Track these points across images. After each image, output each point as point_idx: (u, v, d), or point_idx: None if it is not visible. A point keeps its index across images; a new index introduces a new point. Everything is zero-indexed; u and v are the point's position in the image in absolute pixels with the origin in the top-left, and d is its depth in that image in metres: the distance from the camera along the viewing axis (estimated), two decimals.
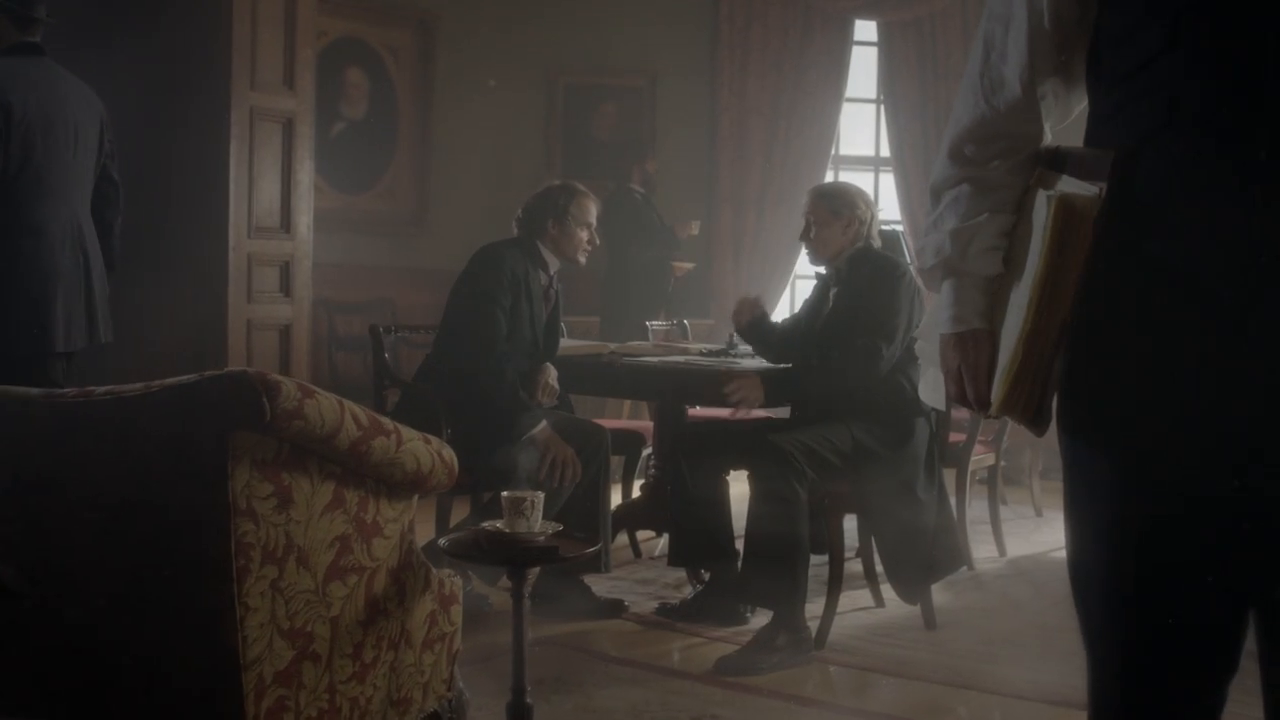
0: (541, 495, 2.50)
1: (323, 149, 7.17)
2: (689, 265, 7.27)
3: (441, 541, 2.65)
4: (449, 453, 2.19)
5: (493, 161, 7.79)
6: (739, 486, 4.14)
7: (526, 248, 4.30)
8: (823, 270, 4.24)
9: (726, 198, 8.10)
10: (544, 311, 4.33)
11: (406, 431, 2.09)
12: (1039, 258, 1.48)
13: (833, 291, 4.16)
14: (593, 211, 4.35)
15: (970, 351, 1.62)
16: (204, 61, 5.36)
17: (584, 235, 4.32)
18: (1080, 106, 1.65)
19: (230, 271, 5.33)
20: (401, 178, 7.67)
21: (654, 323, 6.16)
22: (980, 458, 5.16)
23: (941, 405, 2.01)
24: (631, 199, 7.03)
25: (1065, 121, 1.69)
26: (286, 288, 5.54)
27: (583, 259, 4.38)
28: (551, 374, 4.30)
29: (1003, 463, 5.46)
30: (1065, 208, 1.45)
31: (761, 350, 4.34)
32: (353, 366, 7.22)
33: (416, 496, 2.24)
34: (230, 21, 5.28)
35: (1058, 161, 1.59)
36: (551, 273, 4.36)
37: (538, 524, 2.47)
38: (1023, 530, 5.84)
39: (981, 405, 1.61)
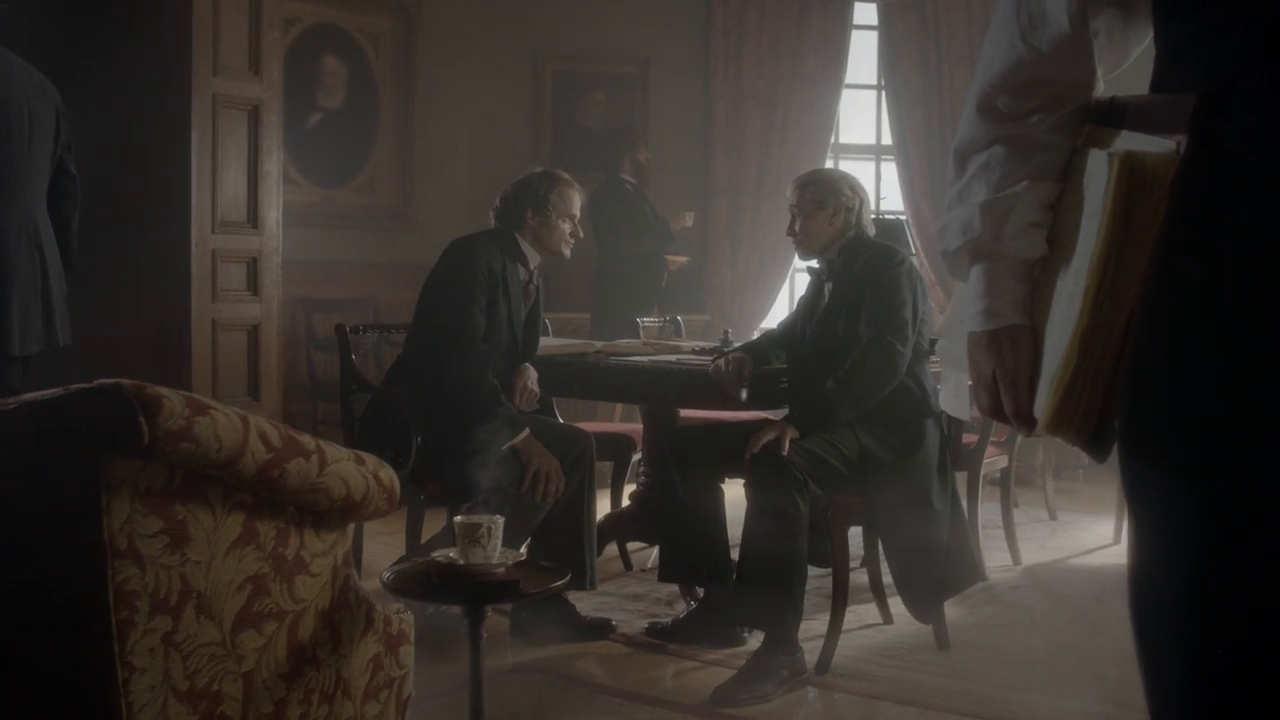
0: (500, 520, 2.18)
1: (299, 141, 6.89)
2: (683, 259, 6.94)
3: (385, 575, 2.33)
4: (387, 474, 1.88)
5: (478, 153, 7.49)
6: (736, 491, 3.82)
7: (503, 240, 3.98)
8: (815, 264, 3.92)
9: (722, 188, 7.81)
10: (523, 309, 4.02)
11: (333, 451, 1.77)
12: (1097, 234, 1.16)
13: (827, 287, 3.84)
14: (576, 202, 4.04)
15: (1007, 354, 1.30)
16: (163, 46, 5.05)
17: (566, 227, 4.00)
18: (1140, 47, 1.33)
19: (194, 269, 5.03)
20: (382, 170, 7.37)
21: (646, 319, 5.85)
22: (992, 460, 4.84)
23: (965, 415, 1.70)
24: (622, 190, 6.71)
25: (1120, 68, 1.37)
26: (254, 285, 5.24)
27: (566, 252, 4.07)
28: (531, 376, 3.99)
29: (1015, 463, 5.14)
30: (1131, 169, 1.13)
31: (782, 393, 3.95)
32: (332, 368, 6.89)
33: (351, 525, 1.92)
34: (191, 3, 4.97)
35: (1114, 115, 1.27)
36: (532, 267, 4.04)
37: (496, 552, 2.15)
38: (1036, 535, 5.53)
39: (1023, 421, 1.29)
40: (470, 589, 2.12)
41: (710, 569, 3.79)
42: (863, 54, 8.21)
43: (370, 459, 1.87)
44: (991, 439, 4.77)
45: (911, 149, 7.94)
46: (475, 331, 3.77)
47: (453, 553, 2.16)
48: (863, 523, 3.73)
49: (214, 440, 1.52)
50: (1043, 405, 1.22)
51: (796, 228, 3.84)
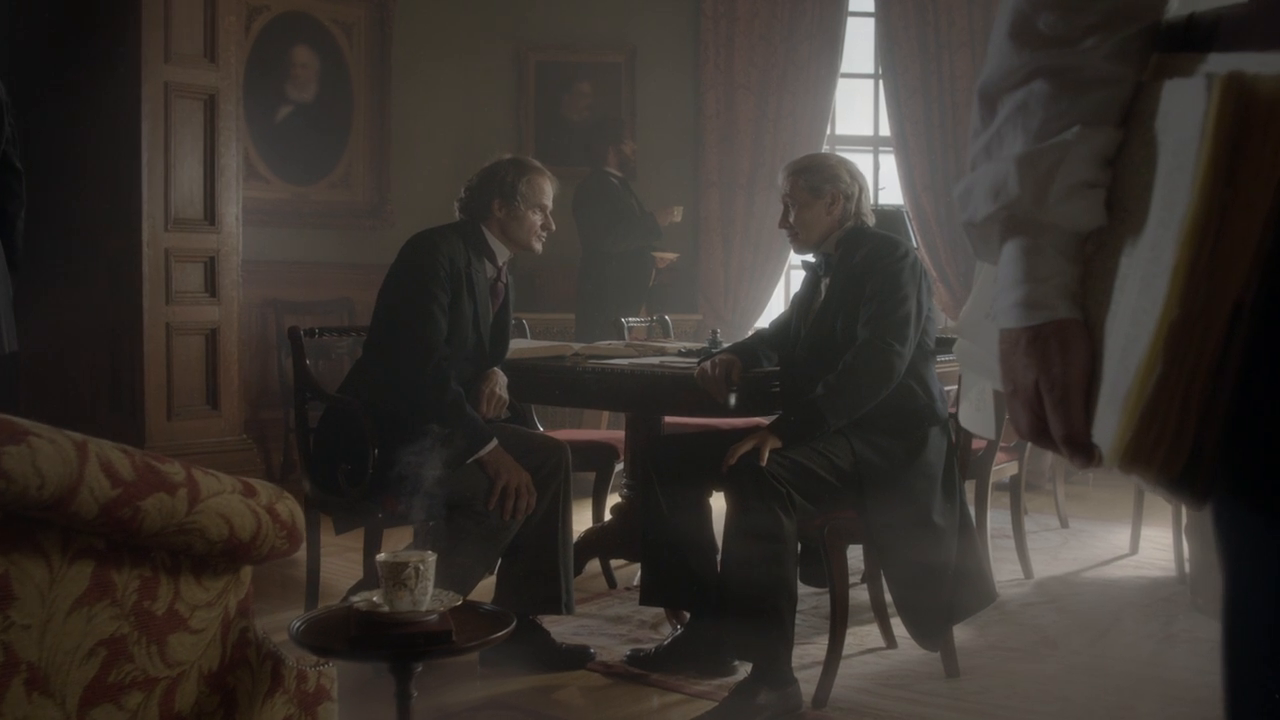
0: (432, 557, 1.85)
1: (268, 135, 6.60)
2: (672, 256, 6.62)
3: (294, 625, 1.99)
4: (288, 506, 1.54)
5: (458, 147, 7.16)
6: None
7: (468, 234, 3.66)
8: (811, 258, 3.60)
9: (713, 182, 7.50)
10: (490, 309, 3.69)
11: (211, 482, 1.44)
12: (1191, 189, 0.83)
13: (824, 282, 3.52)
14: (548, 191, 3.71)
15: (1055, 357, 0.97)
16: (110, 31, 4.73)
17: (537, 219, 3.67)
18: None
19: (145, 269, 4.71)
20: (357, 166, 7.07)
21: (632, 320, 5.52)
22: (1001, 466, 4.51)
23: (991, 434, 1.37)
24: (607, 184, 6.37)
25: None
26: (212, 287, 4.91)
27: (537, 246, 3.74)
28: (499, 381, 3.66)
29: (1025, 468, 4.81)
30: (1240, 95, 0.80)
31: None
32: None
33: (247, 569, 1.59)
34: None
35: (1196, 36, 0.94)
36: (500, 263, 3.71)
37: (427, 596, 1.82)
38: (1047, 545, 5.19)
39: (1078, 449, 0.95)
40: (394, 642, 1.78)
41: (696, 592, 3.46)
42: (859, 41, 7.91)
43: (266, 489, 1.53)
44: (1001, 444, 4.44)
45: (911, 140, 7.63)
46: (436, 334, 3.45)
47: (376, 597, 1.83)
48: (861, 541, 3.40)
49: (32, 475, 1.19)
50: (1112, 430, 0.89)
51: (791, 219, 3.52)
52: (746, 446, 3.13)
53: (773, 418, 3.58)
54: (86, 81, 4.84)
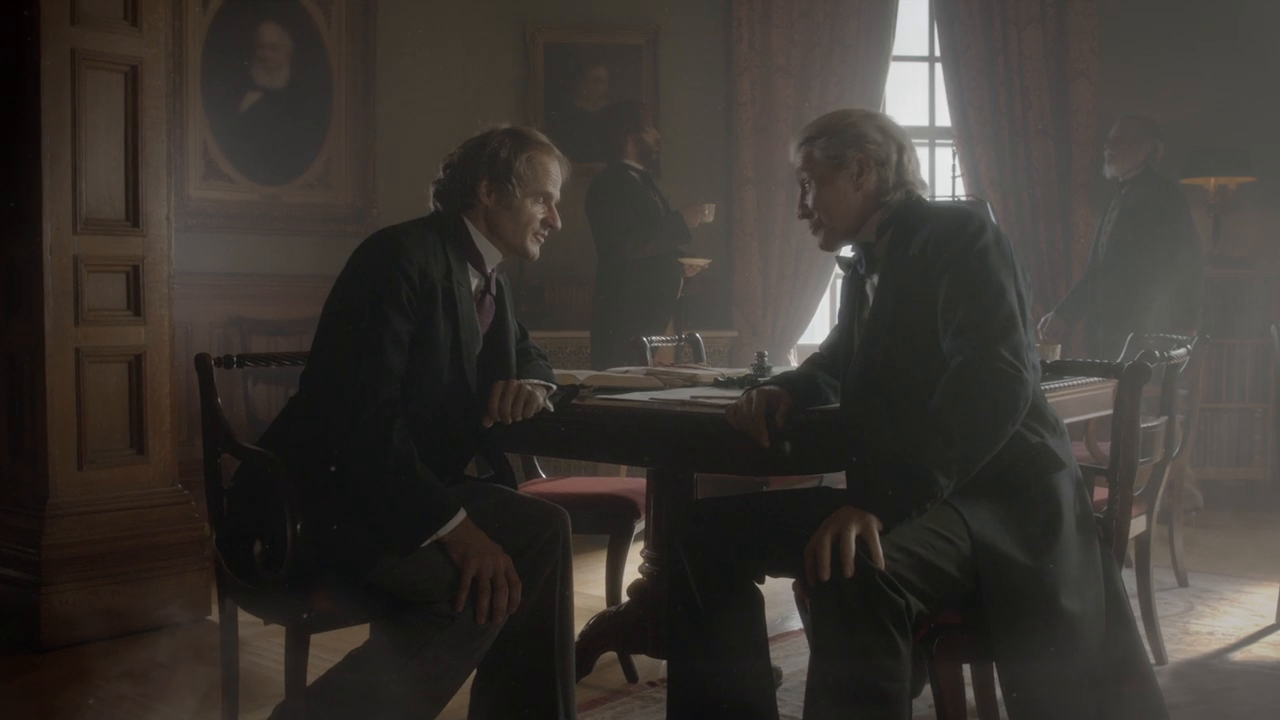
0: None
1: (232, 128, 5.84)
2: (703, 262, 5.69)
3: None
4: None
5: (453, 142, 6.22)
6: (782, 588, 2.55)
7: (448, 231, 2.71)
8: (850, 252, 2.59)
9: (748, 178, 6.69)
10: (478, 334, 2.72)
11: None
12: None
13: (869, 283, 2.52)
14: (555, 176, 2.74)
15: None
16: None
17: (537, 212, 2.71)
18: None
19: (47, 281, 3.79)
20: (338, 163, 6.28)
21: (656, 338, 4.58)
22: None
23: None
24: (627, 179, 5.47)
25: None
26: (135, 303, 3.98)
27: (534, 249, 2.77)
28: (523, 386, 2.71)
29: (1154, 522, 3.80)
30: None
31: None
32: (276, 405, 5.70)
33: None
34: None
35: None
36: (488, 270, 2.75)
37: None
38: (1170, 612, 4.20)
39: None
40: None
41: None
42: (913, 19, 7.08)
43: None
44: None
45: (975, 129, 6.78)
46: (383, 372, 2.49)
47: None
48: (972, 660, 2.40)
49: None
50: None
51: (809, 201, 2.53)
52: (839, 540, 2.12)
53: (844, 487, 2.60)
54: None
